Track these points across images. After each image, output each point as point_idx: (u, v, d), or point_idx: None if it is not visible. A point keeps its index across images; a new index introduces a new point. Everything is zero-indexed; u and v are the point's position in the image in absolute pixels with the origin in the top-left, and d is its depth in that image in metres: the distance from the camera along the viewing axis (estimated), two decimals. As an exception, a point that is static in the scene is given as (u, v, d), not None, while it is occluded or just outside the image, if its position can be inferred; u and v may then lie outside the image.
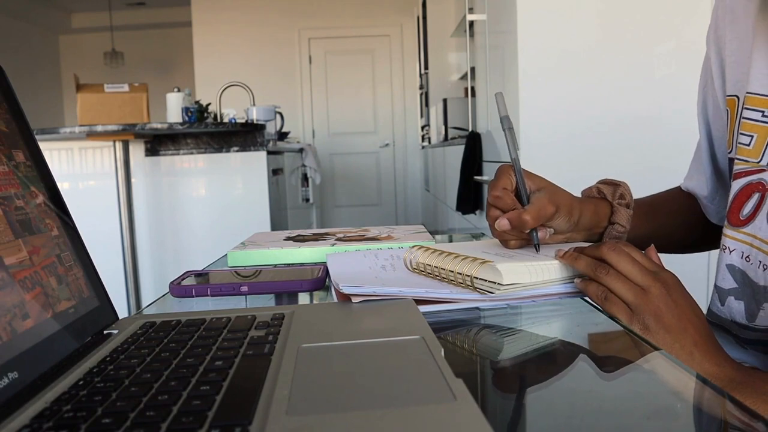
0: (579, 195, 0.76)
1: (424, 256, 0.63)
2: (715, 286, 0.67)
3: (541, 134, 1.92)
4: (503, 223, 0.63)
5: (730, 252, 0.64)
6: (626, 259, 0.54)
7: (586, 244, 0.62)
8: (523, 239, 0.66)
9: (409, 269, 0.65)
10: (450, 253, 0.60)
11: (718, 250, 0.68)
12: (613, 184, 0.74)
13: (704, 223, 0.82)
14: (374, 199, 6.36)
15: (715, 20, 0.72)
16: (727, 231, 0.65)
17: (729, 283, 0.65)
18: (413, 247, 0.66)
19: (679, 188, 0.85)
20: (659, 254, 0.59)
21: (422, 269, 0.63)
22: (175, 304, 0.64)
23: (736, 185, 0.64)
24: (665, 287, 0.52)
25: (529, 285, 0.56)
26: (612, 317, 0.53)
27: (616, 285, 0.53)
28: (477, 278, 0.56)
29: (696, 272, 1.78)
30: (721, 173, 0.78)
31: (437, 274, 0.61)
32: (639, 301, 0.52)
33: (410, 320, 0.47)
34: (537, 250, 0.64)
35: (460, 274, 0.57)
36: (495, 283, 0.55)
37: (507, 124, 0.68)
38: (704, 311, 0.55)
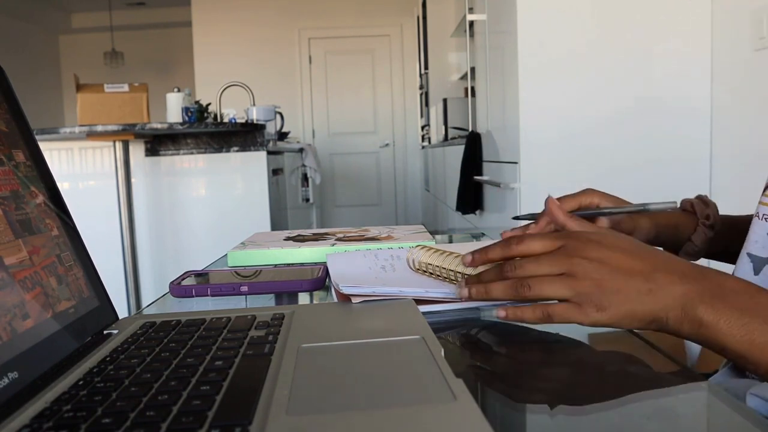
0: (579, 189, 0.75)
1: (427, 255, 0.63)
2: (748, 254, 0.63)
3: (541, 134, 1.92)
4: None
5: None
6: (523, 242, 0.49)
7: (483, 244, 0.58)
8: None
9: (411, 269, 0.65)
10: (452, 253, 0.60)
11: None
12: (704, 203, 0.76)
13: None
14: (374, 199, 6.36)
15: None
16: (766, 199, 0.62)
17: None
18: (416, 246, 0.66)
19: None
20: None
21: (424, 269, 0.63)
22: (175, 304, 0.64)
23: None
24: (577, 239, 0.47)
25: None
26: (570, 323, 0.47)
27: (535, 277, 0.47)
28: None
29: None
30: None
31: (439, 273, 0.61)
32: (568, 283, 0.45)
33: (410, 320, 0.47)
34: None
35: (460, 273, 0.57)
36: None
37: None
38: None
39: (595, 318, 0.45)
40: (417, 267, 0.64)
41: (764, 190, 0.65)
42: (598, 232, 0.51)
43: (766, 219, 0.63)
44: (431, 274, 0.62)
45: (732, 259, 0.64)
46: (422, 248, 0.65)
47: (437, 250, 0.63)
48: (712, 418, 0.37)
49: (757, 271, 0.63)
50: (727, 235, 0.78)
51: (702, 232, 0.74)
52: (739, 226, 0.80)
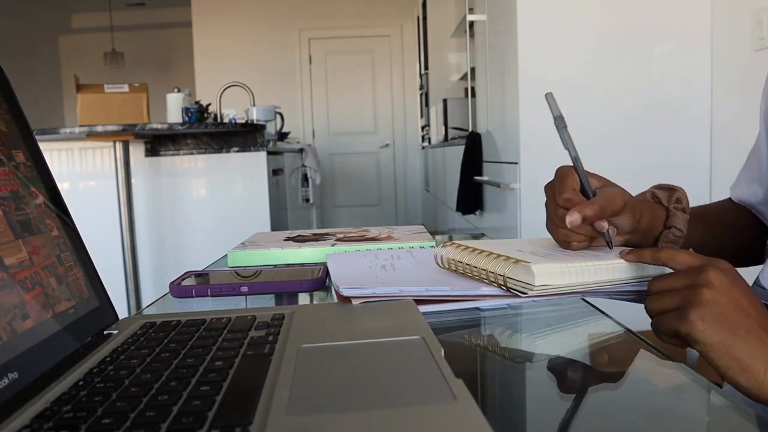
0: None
1: (456, 252, 0.61)
2: (758, 284, 0.62)
3: (541, 134, 1.92)
4: (574, 217, 0.58)
5: None
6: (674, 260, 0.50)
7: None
8: (585, 240, 0.62)
9: (440, 266, 0.64)
10: (482, 251, 0.59)
11: None
12: (669, 189, 0.71)
13: (760, 234, 0.78)
14: (374, 200, 6.36)
15: None
16: None
17: None
18: (446, 243, 0.64)
19: (730, 199, 0.82)
20: None
21: (452, 266, 0.62)
22: (175, 304, 0.64)
23: None
24: (720, 263, 0.48)
25: (561, 287, 0.54)
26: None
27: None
28: (510, 278, 0.54)
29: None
30: None
31: (465, 271, 0.59)
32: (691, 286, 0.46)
33: (410, 320, 0.47)
34: (610, 248, 0.61)
35: (492, 273, 0.56)
36: (527, 283, 0.53)
37: (561, 124, 0.67)
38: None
39: (691, 321, 0.44)
40: (447, 265, 0.63)
41: None
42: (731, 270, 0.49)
43: None
44: (455, 270, 0.61)
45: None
46: (451, 245, 0.63)
47: (466, 247, 0.61)
48: (711, 418, 0.37)
49: None
50: (701, 226, 0.73)
51: (679, 215, 0.68)
52: (711, 214, 0.78)
